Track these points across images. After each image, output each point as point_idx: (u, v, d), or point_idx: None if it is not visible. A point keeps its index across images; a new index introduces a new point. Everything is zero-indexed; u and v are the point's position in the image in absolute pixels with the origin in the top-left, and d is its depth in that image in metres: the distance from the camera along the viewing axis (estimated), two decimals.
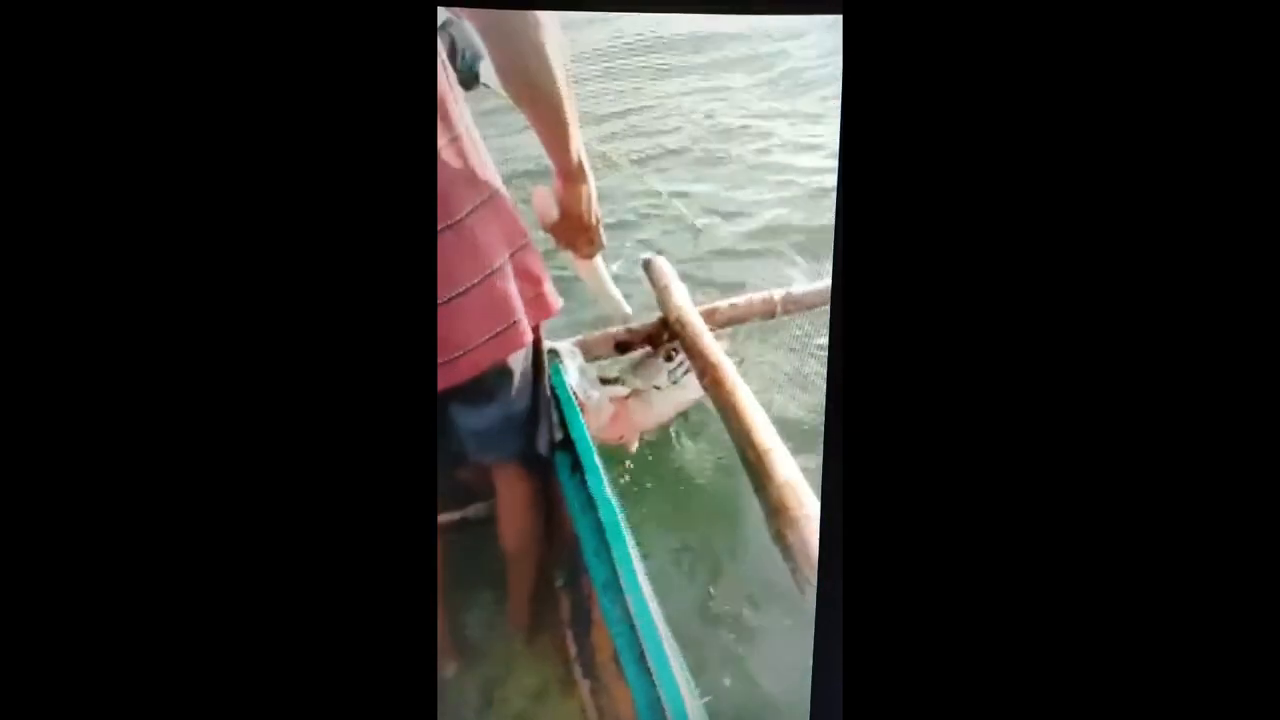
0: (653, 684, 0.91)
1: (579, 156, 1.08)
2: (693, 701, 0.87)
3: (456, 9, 1.06)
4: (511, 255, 1.10)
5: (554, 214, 1.16)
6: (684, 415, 1.77)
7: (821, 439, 0.50)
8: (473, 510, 1.60)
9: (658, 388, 1.54)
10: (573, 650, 1.36)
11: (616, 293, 1.46)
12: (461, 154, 1.03)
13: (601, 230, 1.22)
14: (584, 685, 1.30)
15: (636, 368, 1.57)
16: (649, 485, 1.73)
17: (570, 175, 1.09)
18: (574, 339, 1.54)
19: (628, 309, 1.51)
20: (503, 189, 1.10)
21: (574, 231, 1.18)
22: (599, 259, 1.36)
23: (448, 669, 1.40)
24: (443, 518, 1.41)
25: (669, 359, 1.55)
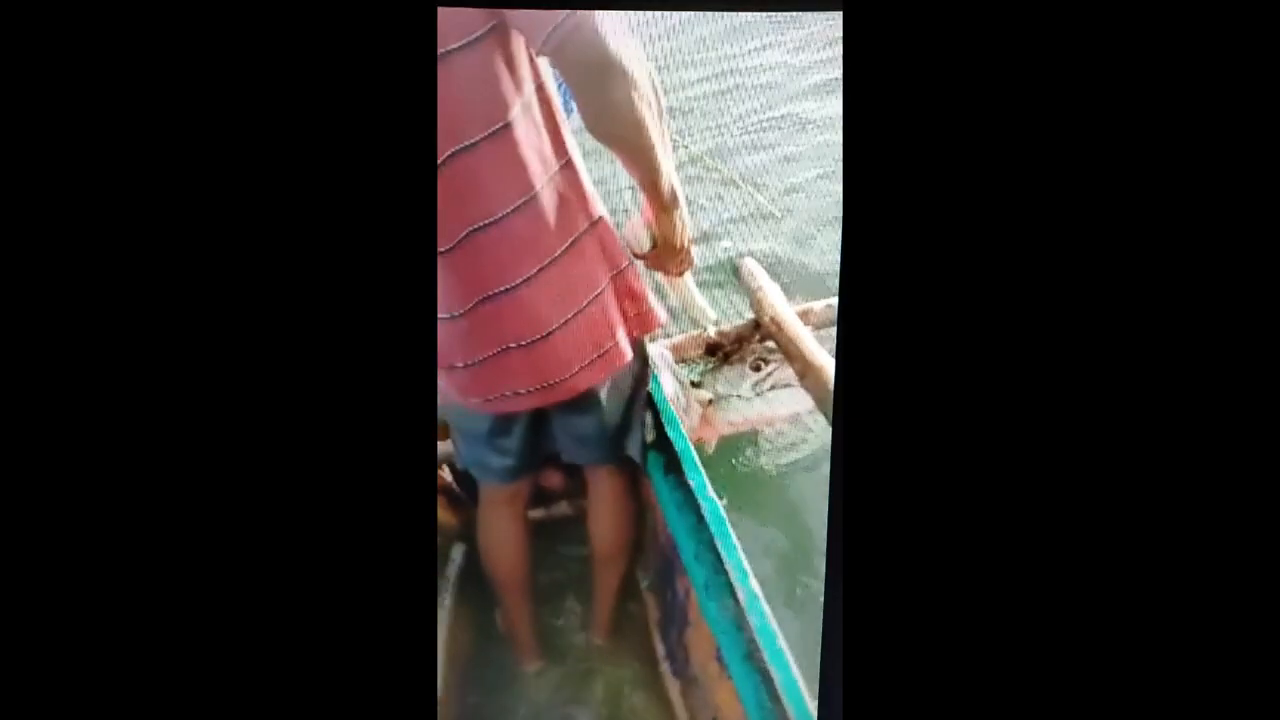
0: (761, 682, 0.90)
1: (670, 188, 1.07)
2: (810, 700, 0.86)
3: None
4: (613, 277, 1.12)
5: (646, 245, 1.16)
6: (771, 427, 1.76)
7: None
8: (559, 509, 1.62)
9: (740, 396, 1.53)
10: (660, 650, 1.36)
11: (704, 303, 1.46)
12: (569, 182, 1.04)
13: (692, 249, 1.23)
14: (674, 686, 1.30)
15: (720, 374, 1.56)
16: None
17: (662, 205, 1.09)
18: (666, 342, 1.54)
19: (714, 315, 1.51)
20: (605, 214, 1.11)
21: (666, 257, 1.18)
22: (688, 273, 1.36)
23: (531, 666, 1.42)
24: (531, 515, 1.42)
25: (756, 369, 1.54)
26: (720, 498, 1.11)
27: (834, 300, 1.64)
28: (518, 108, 0.98)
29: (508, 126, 0.98)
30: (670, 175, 1.06)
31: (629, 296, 1.13)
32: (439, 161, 0.96)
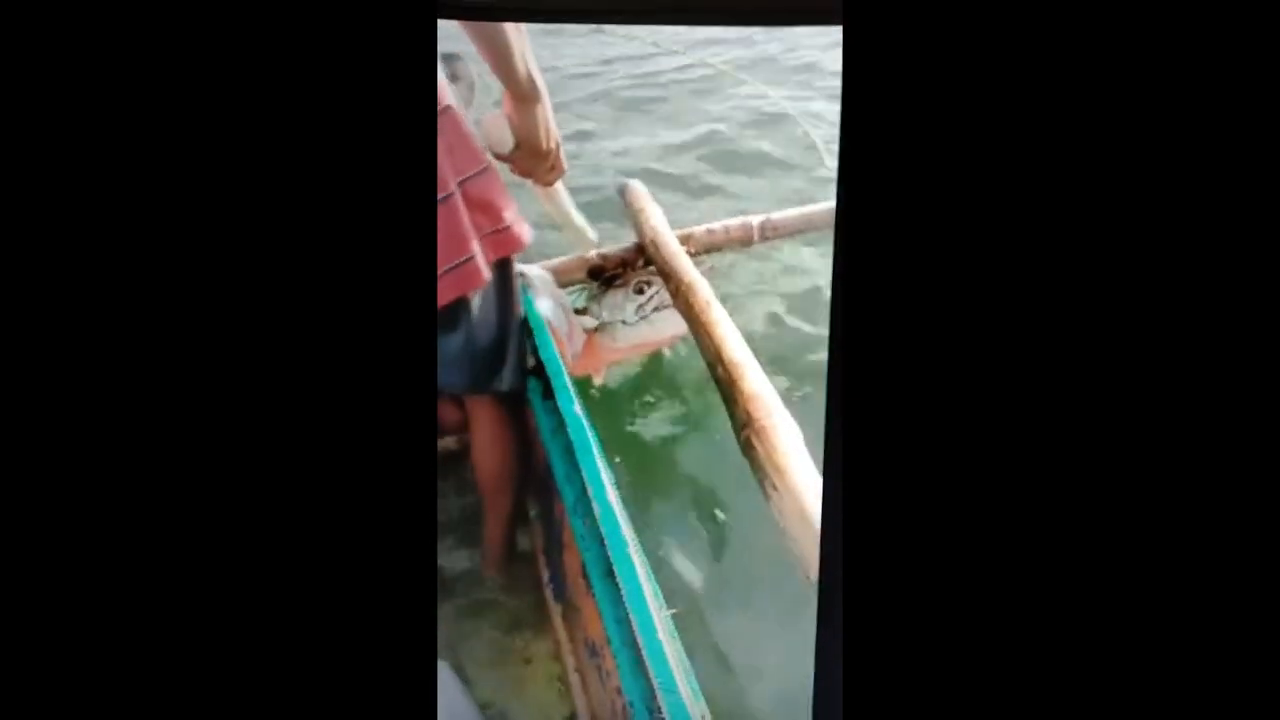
0: (619, 599, 0.90)
1: (528, 71, 0.99)
2: (659, 614, 0.86)
3: None
4: (462, 183, 1.02)
5: (508, 140, 1.07)
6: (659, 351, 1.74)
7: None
8: (444, 443, 1.58)
9: (625, 322, 1.50)
10: (545, 576, 1.36)
11: (582, 220, 1.41)
12: None
13: (562, 153, 1.16)
14: (555, 610, 1.30)
15: (604, 299, 1.52)
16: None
17: (521, 95, 1.01)
18: (545, 264, 1.50)
19: (594, 236, 1.46)
20: (455, 105, 1.04)
21: (532, 157, 1.09)
22: (560, 185, 1.30)
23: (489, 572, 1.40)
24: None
25: (639, 292, 1.50)
26: (592, 426, 1.08)
27: (714, 225, 1.62)
28: None
29: None
30: (528, 61, 0.99)
31: (483, 209, 1.05)
32: None
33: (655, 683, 0.78)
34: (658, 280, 1.45)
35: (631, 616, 0.83)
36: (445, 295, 1.04)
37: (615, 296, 1.49)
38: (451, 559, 1.50)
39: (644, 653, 0.80)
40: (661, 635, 0.80)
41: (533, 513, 1.45)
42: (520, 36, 0.96)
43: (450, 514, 1.56)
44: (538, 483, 1.38)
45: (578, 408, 1.11)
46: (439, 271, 1.03)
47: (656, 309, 1.46)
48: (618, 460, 1.53)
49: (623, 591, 0.85)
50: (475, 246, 1.05)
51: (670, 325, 1.47)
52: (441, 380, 1.20)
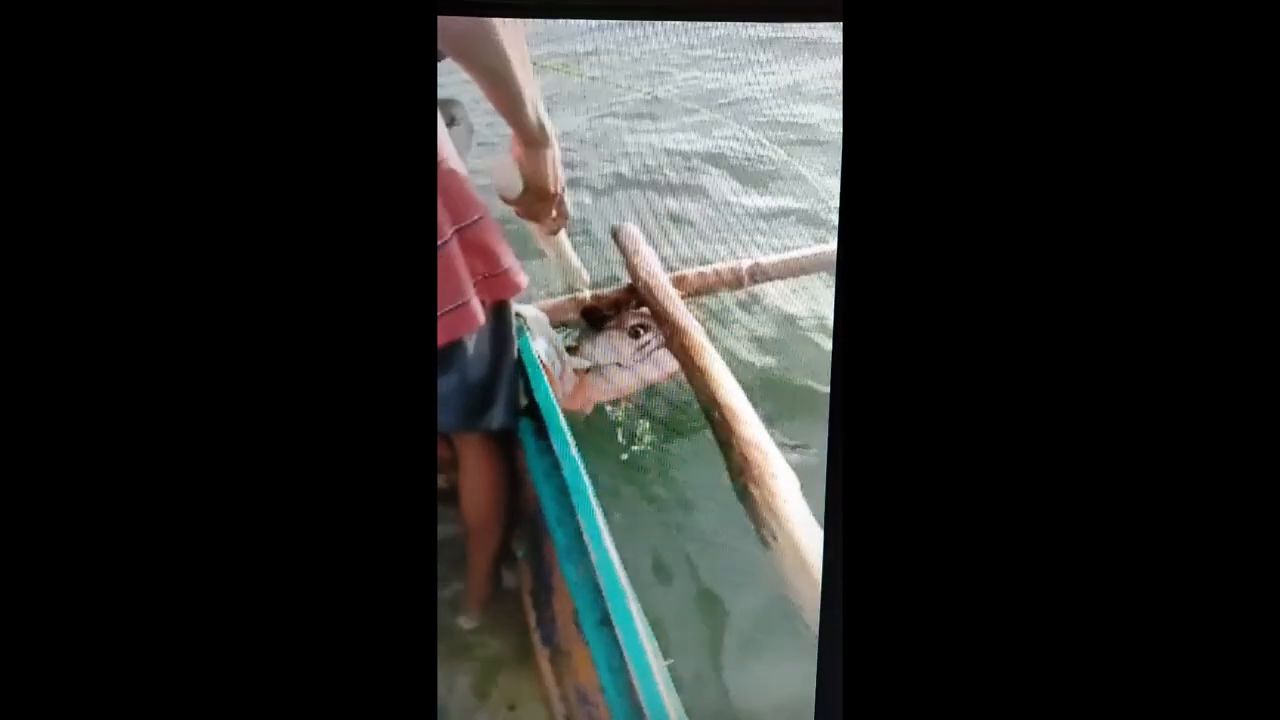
0: (615, 645, 0.89)
1: (538, 118, 1.01)
2: (657, 663, 0.85)
3: None
4: (458, 231, 1.04)
5: (517, 185, 1.09)
6: (648, 390, 1.75)
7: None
8: (444, 479, 1.57)
9: (619, 365, 1.51)
10: (532, 620, 1.34)
11: (579, 265, 1.43)
12: None
13: (566, 198, 1.18)
14: (543, 654, 1.28)
15: (599, 341, 1.53)
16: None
17: (531, 140, 1.03)
18: (539, 303, 1.50)
19: (588, 278, 1.48)
20: (458, 167, 1.05)
21: (538, 201, 1.11)
22: (563, 234, 1.32)
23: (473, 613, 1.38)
24: None
25: (635, 336, 1.52)
26: (584, 464, 1.08)
27: (705, 269, 1.64)
28: None
29: None
30: (538, 108, 1.01)
31: (480, 255, 1.07)
32: None
33: None
34: (652, 325, 1.46)
35: (630, 668, 0.82)
36: (442, 337, 1.05)
37: (610, 338, 1.50)
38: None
39: (643, 705, 0.79)
40: (661, 688, 0.80)
41: (520, 553, 1.44)
42: (531, 83, 0.98)
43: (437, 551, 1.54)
44: (525, 523, 1.37)
45: (574, 451, 1.11)
46: (446, 307, 1.04)
47: (652, 351, 1.47)
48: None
49: (621, 642, 0.85)
50: (470, 291, 1.06)
51: (660, 368, 1.48)
52: (446, 423, 1.20)
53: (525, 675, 1.34)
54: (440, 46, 0.90)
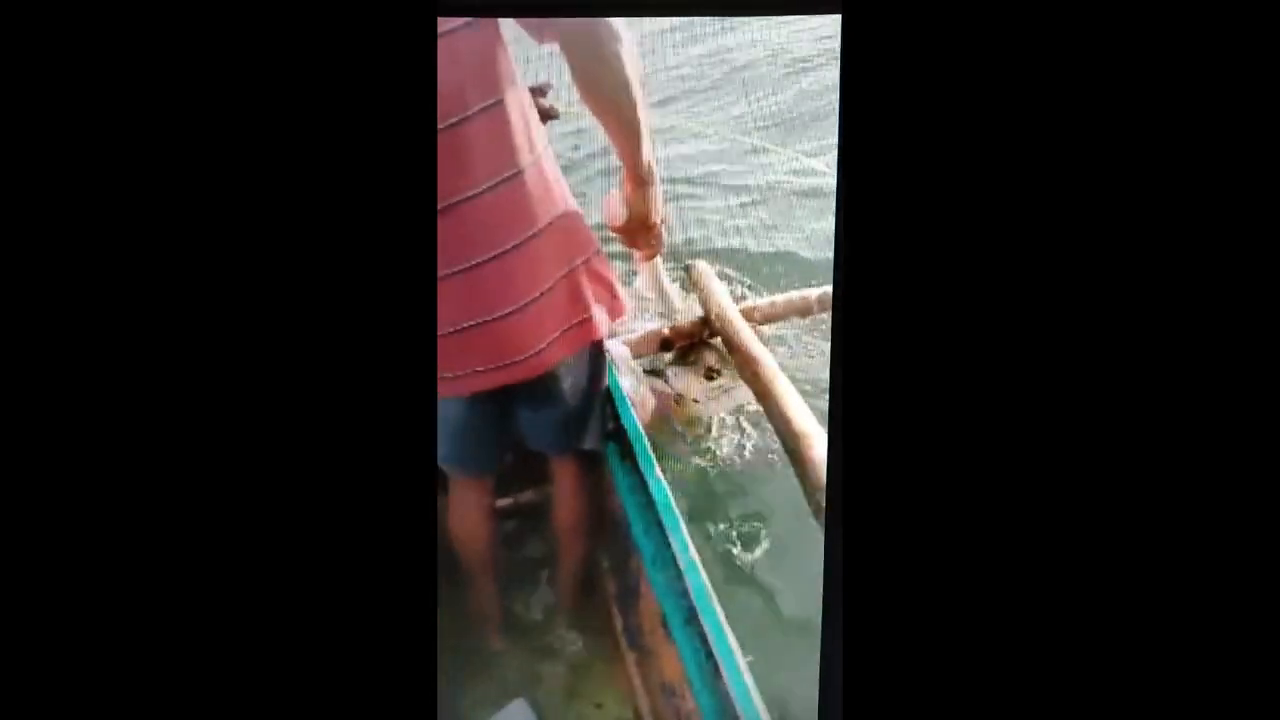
0: (701, 645, 1.00)
1: (649, 160, 1.16)
2: (741, 659, 0.96)
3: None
4: (584, 262, 1.20)
5: (623, 216, 1.24)
6: (722, 420, 1.86)
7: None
8: (527, 496, 1.71)
9: (696, 401, 1.64)
10: (619, 624, 1.45)
11: (672, 290, 1.56)
12: (539, 176, 1.12)
13: (664, 229, 1.32)
14: (630, 656, 1.39)
15: (679, 373, 1.66)
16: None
17: (639, 179, 1.18)
18: (622, 338, 1.64)
19: (680, 305, 1.61)
20: (574, 205, 1.20)
21: (639, 232, 1.26)
22: (658, 259, 1.45)
23: (497, 645, 1.50)
24: (499, 502, 1.51)
25: (709, 379, 1.64)
26: (665, 479, 1.21)
27: (776, 297, 1.75)
28: (511, 90, 1.07)
29: (500, 104, 1.06)
30: (649, 151, 1.15)
31: (599, 281, 1.22)
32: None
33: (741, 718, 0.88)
34: (728, 370, 1.59)
35: (719, 661, 0.94)
36: (566, 350, 1.20)
37: (687, 376, 1.64)
38: (527, 604, 1.61)
39: (731, 693, 0.90)
40: (746, 678, 0.91)
41: (605, 564, 1.56)
42: (648, 127, 1.12)
43: (527, 561, 1.68)
44: (610, 535, 1.49)
45: (659, 472, 1.23)
46: (566, 325, 1.18)
47: (723, 393, 1.60)
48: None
49: (710, 638, 0.96)
50: (595, 311, 1.20)
51: (729, 404, 1.60)
52: (536, 442, 1.35)
53: (611, 675, 1.45)
54: (580, 84, 1.04)
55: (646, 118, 1.10)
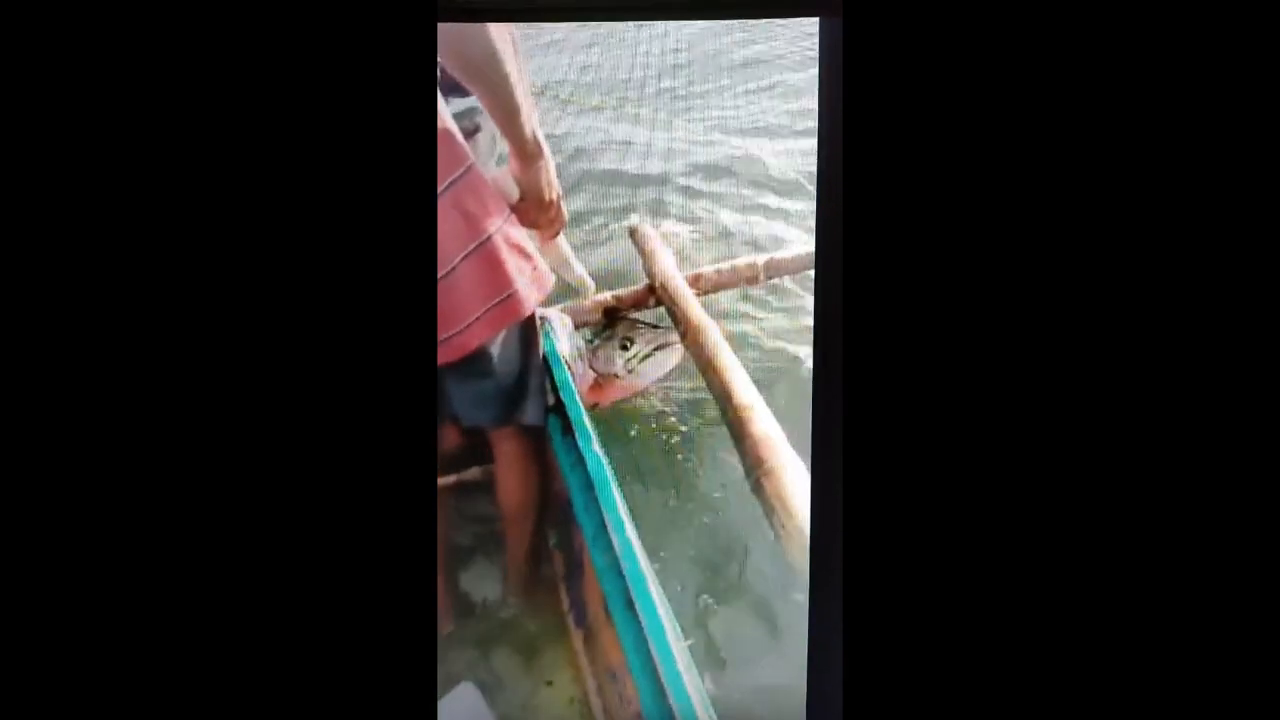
0: (639, 628, 0.97)
1: (533, 132, 1.09)
2: (678, 644, 0.93)
3: None
4: (498, 229, 1.13)
5: (514, 194, 1.17)
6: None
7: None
8: (469, 474, 1.66)
9: (617, 375, 1.59)
10: (565, 603, 1.43)
11: (580, 268, 1.50)
12: (447, 132, 1.05)
13: (563, 207, 1.25)
14: (577, 636, 1.37)
15: (596, 352, 1.61)
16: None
17: (526, 153, 1.11)
18: (562, 305, 1.58)
19: (590, 283, 1.55)
20: (474, 163, 1.13)
21: (535, 210, 1.19)
22: (561, 236, 1.39)
23: (445, 626, 1.47)
24: (440, 481, 1.46)
25: (624, 348, 1.59)
26: (606, 456, 1.16)
27: (722, 265, 1.70)
28: None
29: None
30: (532, 122, 1.08)
31: (519, 251, 1.15)
32: None
33: (675, 709, 0.85)
34: (641, 335, 1.54)
35: (652, 647, 0.90)
36: (496, 327, 1.14)
37: (607, 350, 1.58)
38: (476, 584, 1.57)
39: (664, 682, 0.87)
40: (680, 666, 0.88)
41: (552, 541, 1.52)
42: (527, 99, 1.05)
43: (474, 541, 1.64)
44: (557, 513, 1.45)
45: (596, 446, 1.18)
46: (484, 308, 1.12)
47: (642, 360, 1.55)
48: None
49: (643, 624, 0.93)
50: (520, 284, 1.13)
51: (660, 368, 1.55)
52: (470, 417, 1.29)
53: (561, 654, 1.43)
54: (443, 62, 0.97)
55: (525, 87, 1.03)
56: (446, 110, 1.08)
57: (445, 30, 0.94)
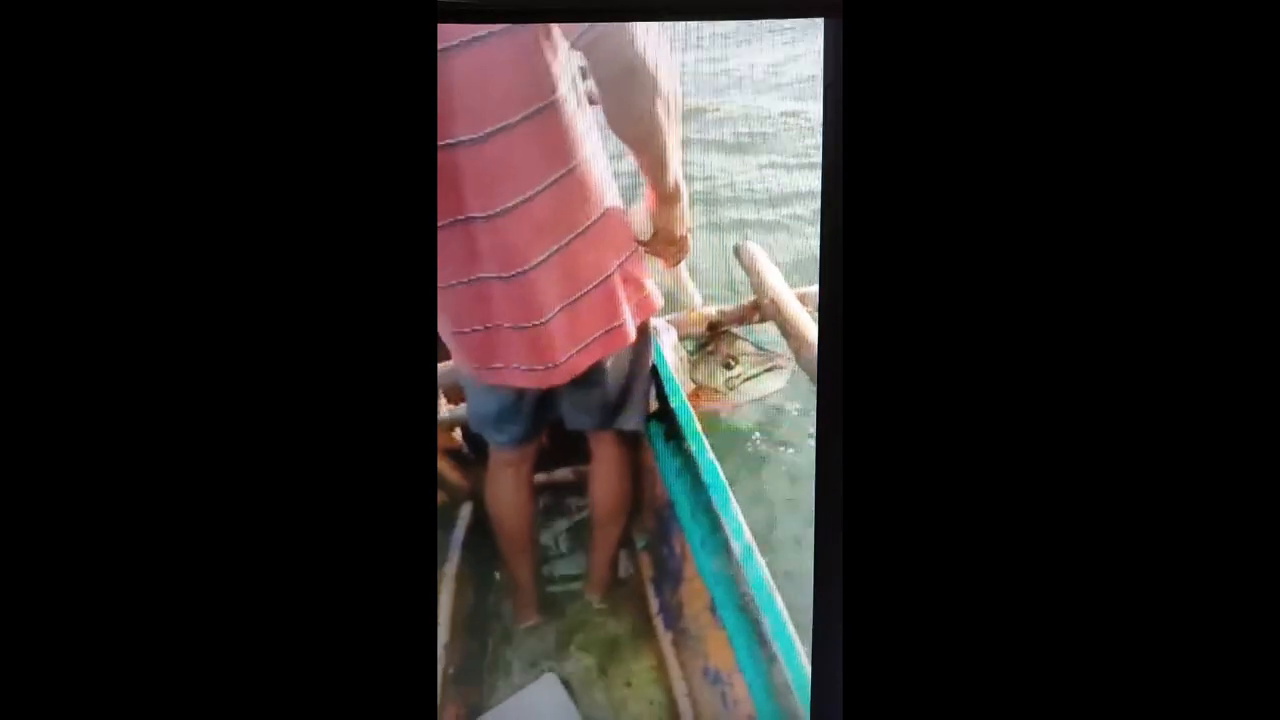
0: (755, 632, 0.99)
1: (675, 181, 1.13)
2: (801, 648, 0.95)
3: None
4: (621, 264, 1.20)
5: (648, 231, 1.22)
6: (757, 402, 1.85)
7: None
8: (560, 474, 1.70)
9: (716, 390, 1.63)
10: (654, 606, 1.45)
11: (694, 291, 1.55)
12: (588, 174, 1.10)
13: (690, 239, 1.30)
14: (665, 638, 1.39)
15: (698, 365, 1.65)
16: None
17: (665, 197, 1.15)
18: (670, 317, 1.62)
19: (700, 301, 1.60)
20: (618, 202, 1.18)
21: (665, 245, 1.24)
22: (683, 263, 1.45)
23: (529, 620, 1.50)
24: (536, 478, 1.50)
25: (728, 368, 1.63)
26: (719, 462, 1.20)
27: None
28: (556, 94, 1.04)
29: (545, 109, 1.04)
30: (676, 170, 1.12)
31: (632, 283, 1.22)
32: (480, 136, 1.03)
33: (801, 710, 0.88)
34: (746, 358, 1.57)
35: (775, 648, 0.93)
36: (600, 353, 1.21)
37: (709, 364, 1.62)
38: (560, 581, 1.61)
39: (790, 683, 0.89)
40: (805, 669, 0.90)
41: (640, 544, 1.55)
42: (677, 151, 1.10)
43: (559, 539, 1.68)
44: (650, 517, 1.49)
45: (710, 454, 1.22)
46: (593, 337, 1.17)
47: (744, 381, 1.58)
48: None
49: (767, 627, 0.95)
50: (626, 315, 1.19)
51: (763, 389, 1.58)
52: (576, 422, 1.34)
53: (642, 656, 1.45)
54: (610, 122, 1.01)
55: (677, 134, 1.06)
56: (602, 152, 1.13)
57: (611, 101, 0.98)
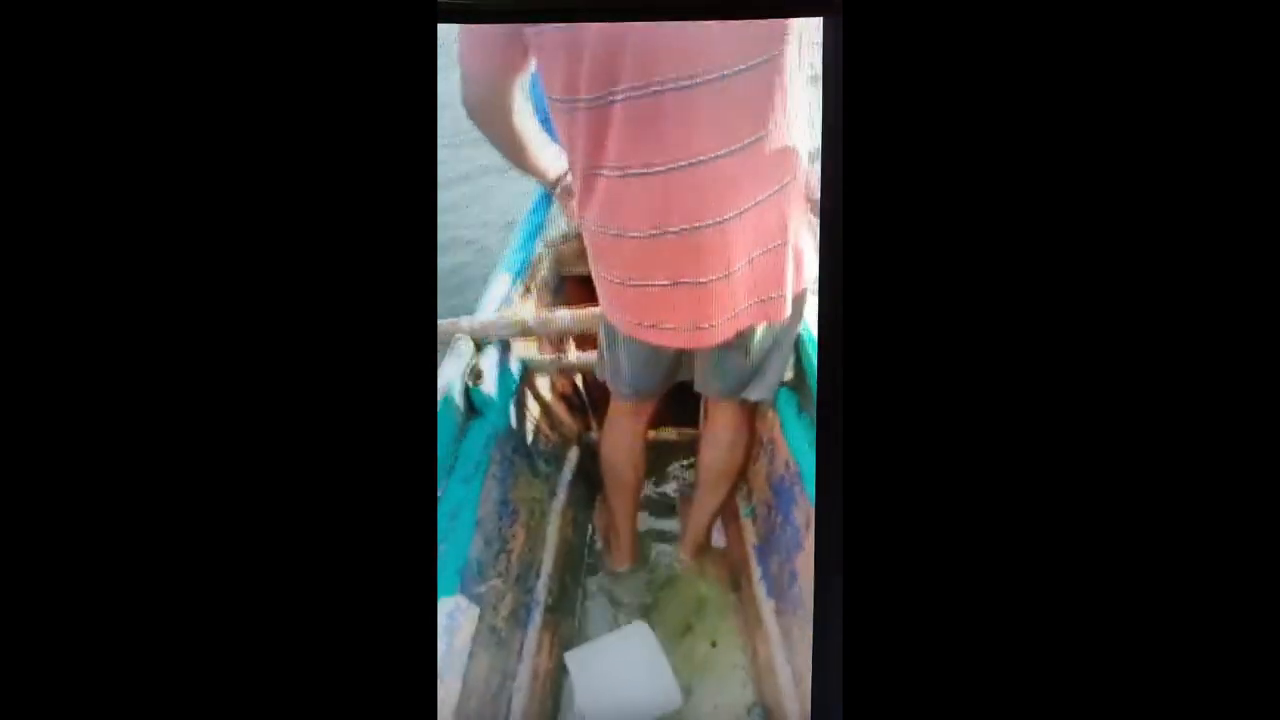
0: None
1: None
2: None
3: None
4: (796, 232, 1.18)
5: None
6: None
7: None
8: (667, 433, 1.73)
9: None
10: (756, 572, 1.47)
11: None
12: (781, 139, 1.10)
13: None
14: (767, 604, 1.41)
15: None
16: None
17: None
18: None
19: None
20: (804, 176, 1.18)
21: None
22: None
23: (622, 565, 1.54)
24: (650, 434, 1.52)
25: None
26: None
27: None
28: (784, 46, 1.05)
29: (771, 60, 1.04)
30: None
31: (798, 259, 1.21)
32: (690, 83, 1.03)
33: None
34: None
35: None
36: (753, 320, 1.21)
37: None
38: (658, 535, 1.64)
39: None
40: None
41: (744, 511, 1.57)
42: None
43: (658, 498, 1.71)
44: (765, 486, 1.50)
45: None
46: (750, 303, 1.19)
47: None
48: None
49: None
50: (788, 285, 1.20)
51: None
52: (709, 388, 1.36)
53: (730, 618, 1.48)
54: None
55: None
56: (788, 124, 1.14)
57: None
